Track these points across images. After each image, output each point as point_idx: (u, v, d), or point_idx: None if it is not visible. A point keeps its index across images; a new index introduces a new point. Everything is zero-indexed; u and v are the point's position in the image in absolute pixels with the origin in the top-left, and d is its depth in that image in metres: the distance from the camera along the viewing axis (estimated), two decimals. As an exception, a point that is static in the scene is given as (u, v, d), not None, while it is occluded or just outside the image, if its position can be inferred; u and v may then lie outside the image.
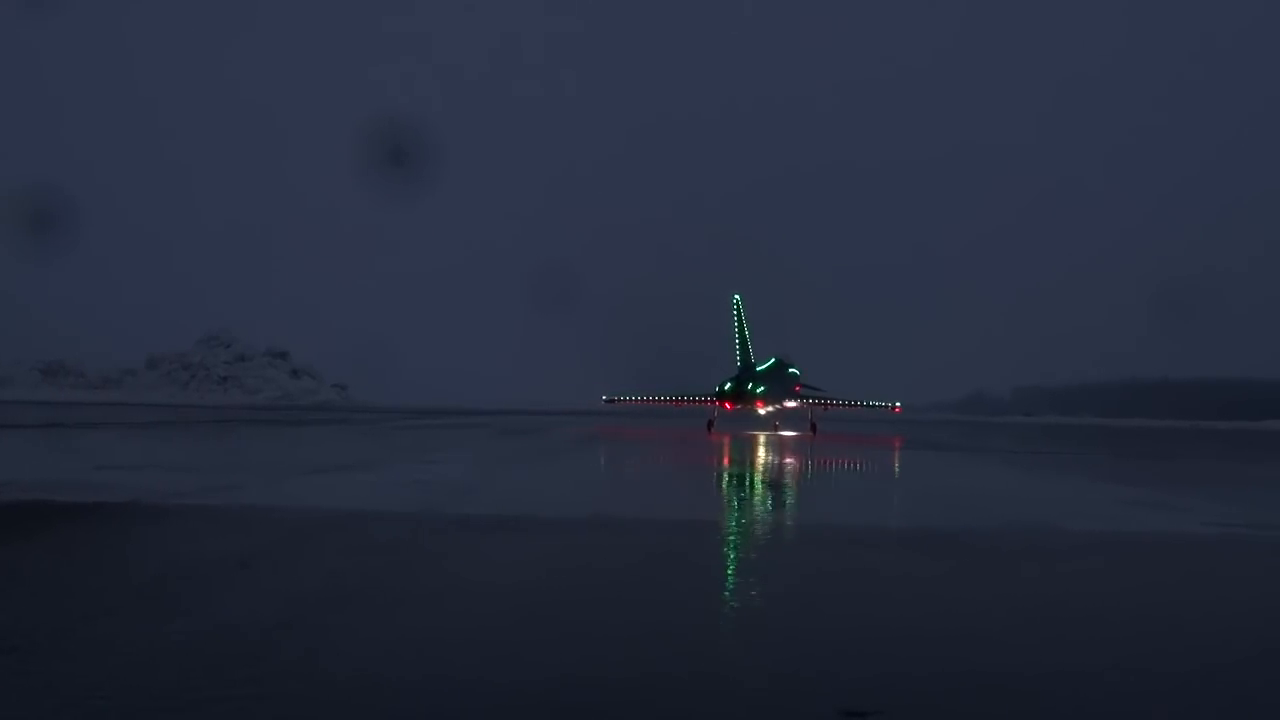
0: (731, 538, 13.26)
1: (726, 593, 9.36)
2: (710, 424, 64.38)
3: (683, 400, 69.72)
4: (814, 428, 63.41)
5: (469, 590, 9.30)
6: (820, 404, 68.49)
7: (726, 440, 48.84)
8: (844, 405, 70.57)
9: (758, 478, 24.96)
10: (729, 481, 23.92)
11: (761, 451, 38.78)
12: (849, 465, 33.14)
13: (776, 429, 65.13)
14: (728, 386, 64.12)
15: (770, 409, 65.29)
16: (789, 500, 19.36)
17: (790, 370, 67.47)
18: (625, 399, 71.44)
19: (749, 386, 64.11)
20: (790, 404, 67.38)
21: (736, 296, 69.81)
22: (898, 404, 75.33)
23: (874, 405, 73.53)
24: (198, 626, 7.44)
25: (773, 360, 66.96)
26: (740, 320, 68.80)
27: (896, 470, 32.01)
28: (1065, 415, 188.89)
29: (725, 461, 31.80)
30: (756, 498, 19.65)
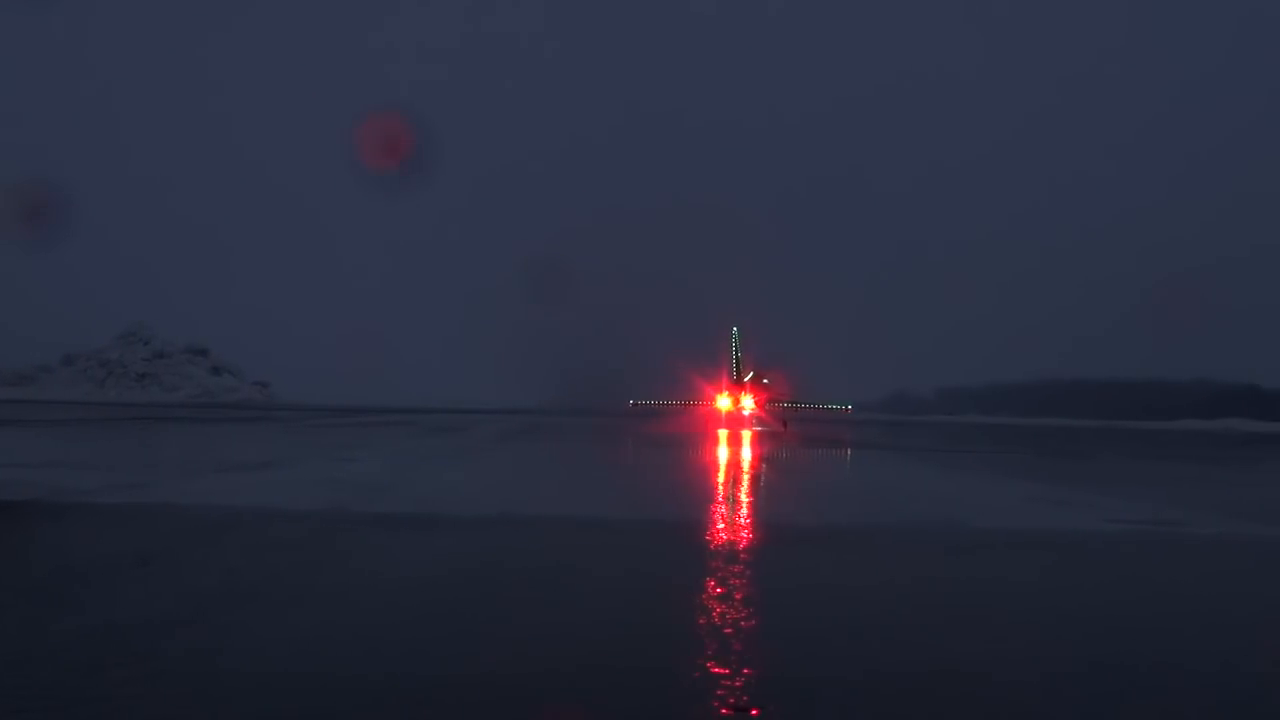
0: (661, 532, 13.29)
1: (627, 589, 9.39)
2: (709, 421, 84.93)
3: (691, 404, 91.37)
4: (785, 424, 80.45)
5: (367, 588, 9.22)
6: (790, 406, 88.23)
7: (722, 433, 61.97)
8: (807, 407, 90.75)
9: (733, 469, 25.12)
10: (699, 474, 24.02)
11: (746, 448, 41.54)
12: (786, 462, 33.53)
13: (753, 425, 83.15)
14: (725, 394, 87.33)
15: (752, 410, 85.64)
16: (734, 495, 19.47)
17: (764, 381, 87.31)
18: (647, 403, 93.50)
19: (740, 395, 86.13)
20: (766, 406, 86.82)
21: (735, 329, 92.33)
22: (849, 405, 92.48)
23: (829, 407, 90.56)
24: (86, 625, 7.30)
25: (751, 374, 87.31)
26: (736, 346, 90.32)
27: (821, 468, 32.43)
28: (986, 415, 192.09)
29: (710, 452, 31.97)
30: (720, 490, 19.76)
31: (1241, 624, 8.88)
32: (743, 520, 15.12)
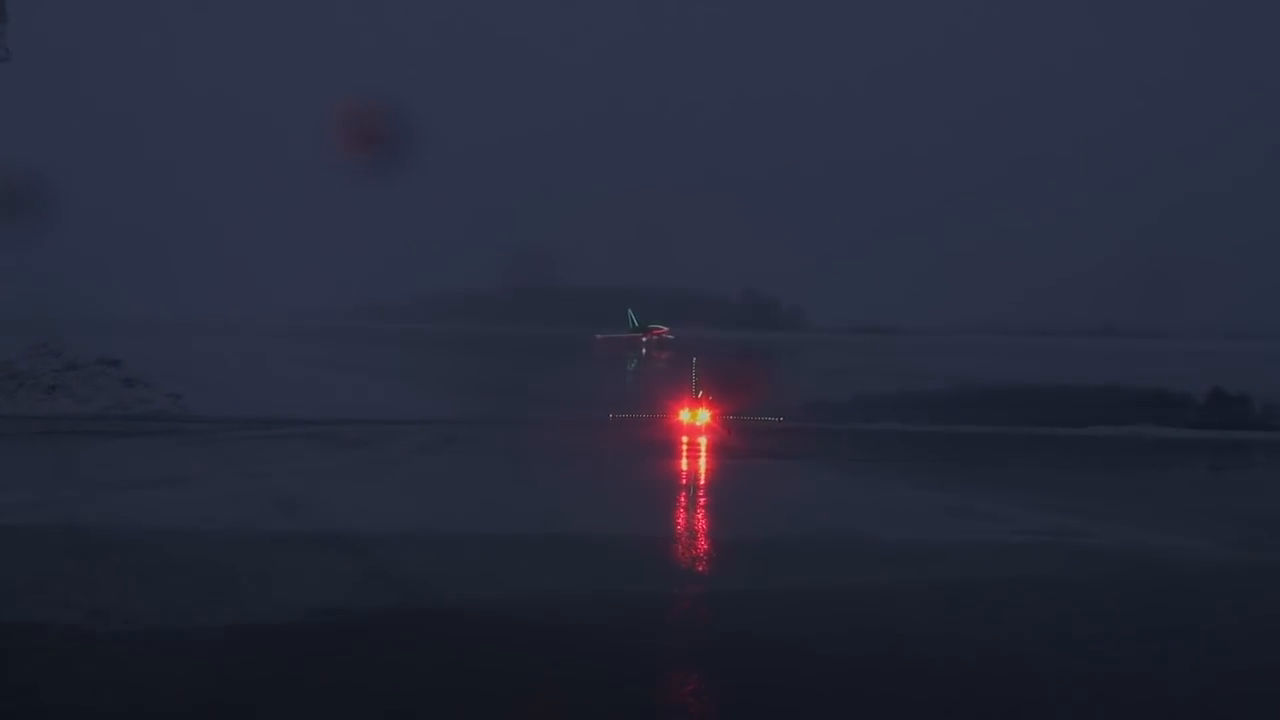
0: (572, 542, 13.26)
1: (532, 600, 9.38)
2: (673, 430, 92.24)
3: (659, 416, 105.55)
4: (730, 433, 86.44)
5: (270, 610, 9.11)
6: (735, 418, 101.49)
7: (683, 440, 64.06)
8: (749, 418, 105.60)
9: (662, 483, 25.26)
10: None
11: (684, 460, 43.60)
12: (715, 473, 33.69)
13: (706, 434, 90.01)
14: (686, 409, 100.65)
15: (706, 422, 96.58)
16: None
17: (711, 397, 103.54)
18: (627, 415, 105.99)
19: (698, 409, 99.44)
20: (716, 418, 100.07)
21: (694, 358, 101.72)
22: (781, 417, 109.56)
23: (766, 419, 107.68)
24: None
25: (702, 391, 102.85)
26: (694, 369, 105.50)
27: (739, 479, 32.65)
28: (903, 422, 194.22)
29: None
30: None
31: (1134, 633, 9.14)
32: (648, 534, 15.15)
